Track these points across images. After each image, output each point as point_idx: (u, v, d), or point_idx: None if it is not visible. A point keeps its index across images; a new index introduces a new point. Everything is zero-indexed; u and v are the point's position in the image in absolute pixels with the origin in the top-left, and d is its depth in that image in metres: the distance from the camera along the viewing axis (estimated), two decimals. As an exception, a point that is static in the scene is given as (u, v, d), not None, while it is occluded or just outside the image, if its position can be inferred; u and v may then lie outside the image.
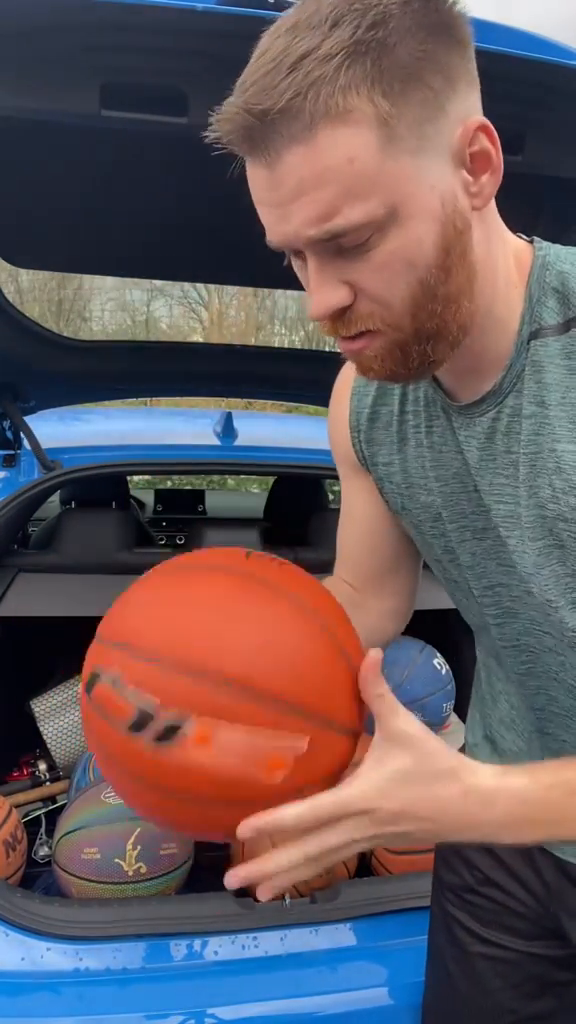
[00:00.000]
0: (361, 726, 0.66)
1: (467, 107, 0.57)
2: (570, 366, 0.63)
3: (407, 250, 0.56)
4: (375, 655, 0.63)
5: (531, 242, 0.68)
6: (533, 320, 0.65)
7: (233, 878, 0.62)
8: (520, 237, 0.68)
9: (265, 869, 0.62)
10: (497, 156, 0.59)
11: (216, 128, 0.56)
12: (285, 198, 0.55)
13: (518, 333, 0.65)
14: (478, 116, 0.58)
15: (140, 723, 0.59)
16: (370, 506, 0.88)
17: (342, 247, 0.57)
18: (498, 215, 0.64)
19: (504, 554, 0.73)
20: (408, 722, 0.62)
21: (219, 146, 0.57)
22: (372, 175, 0.54)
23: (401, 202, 0.55)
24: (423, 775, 0.62)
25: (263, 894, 0.63)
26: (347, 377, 0.86)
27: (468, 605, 0.83)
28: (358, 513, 0.91)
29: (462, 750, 0.74)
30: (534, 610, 0.74)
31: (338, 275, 0.58)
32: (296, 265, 0.63)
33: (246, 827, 0.59)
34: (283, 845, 0.61)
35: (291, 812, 0.59)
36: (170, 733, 0.58)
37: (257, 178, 0.57)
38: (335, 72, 0.51)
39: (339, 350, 0.65)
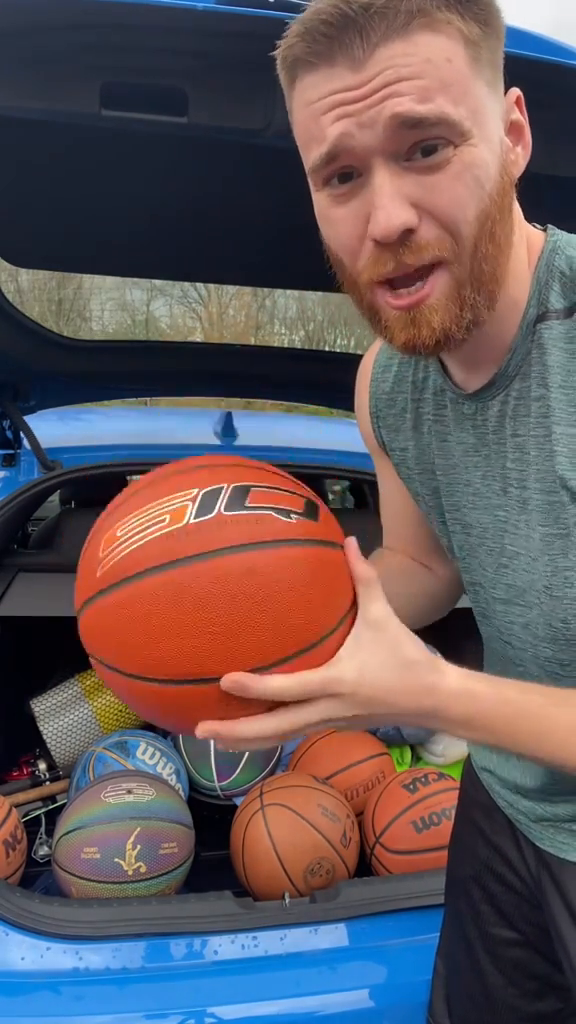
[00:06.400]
0: None
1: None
2: (571, 350, 0.64)
3: (479, 168, 0.57)
4: (353, 541, 0.65)
5: (545, 230, 0.69)
6: (540, 303, 0.66)
7: (201, 728, 0.61)
8: (535, 227, 0.69)
9: (237, 731, 0.61)
10: (527, 133, 0.61)
11: (293, 31, 0.56)
12: (375, 89, 0.54)
13: (524, 315, 0.66)
14: (514, 88, 0.60)
15: None
16: (398, 485, 0.90)
17: (417, 159, 0.56)
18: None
19: (480, 555, 0.76)
20: (383, 610, 0.64)
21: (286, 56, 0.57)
22: (465, 83, 0.55)
23: (481, 122, 0.56)
24: (394, 663, 0.63)
25: (220, 745, 0.64)
26: (368, 364, 0.87)
27: (471, 597, 0.85)
28: (391, 491, 0.94)
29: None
30: (500, 618, 0.77)
31: (407, 194, 0.56)
32: (336, 195, 0.59)
33: (232, 679, 0.58)
34: (257, 716, 0.61)
35: (278, 681, 0.59)
36: None
37: (333, 82, 0.55)
38: None
39: (392, 308, 0.61)
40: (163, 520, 0.60)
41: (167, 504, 0.61)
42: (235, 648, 0.58)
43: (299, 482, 0.67)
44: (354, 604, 0.65)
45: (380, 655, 0.63)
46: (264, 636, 0.59)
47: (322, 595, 0.62)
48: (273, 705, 0.61)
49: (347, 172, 0.58)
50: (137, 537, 0.60)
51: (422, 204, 0.57)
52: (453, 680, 0.64)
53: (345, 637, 0.63)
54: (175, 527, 0.59)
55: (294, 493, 0.65)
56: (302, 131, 0.60)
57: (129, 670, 0.61)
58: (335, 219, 0.60)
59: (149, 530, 0.60)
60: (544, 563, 0.68)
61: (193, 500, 0.60)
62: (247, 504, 0.61)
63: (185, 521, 0.59)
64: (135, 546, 0.59)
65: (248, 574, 0.58)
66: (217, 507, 0.60)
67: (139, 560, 0.59)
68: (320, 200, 0.61)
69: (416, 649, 0.64)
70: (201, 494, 0.60)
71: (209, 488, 0.61)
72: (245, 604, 0.58)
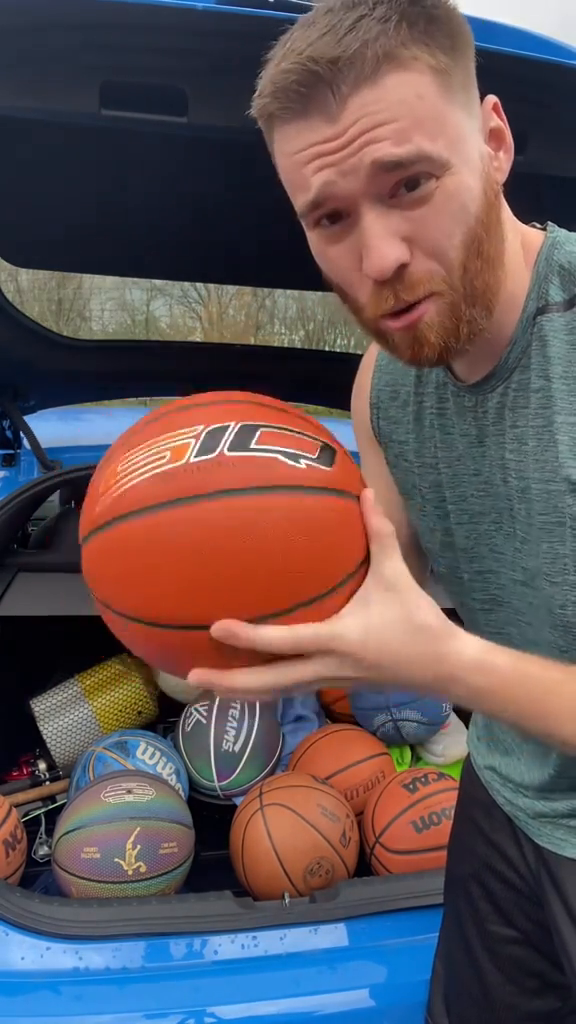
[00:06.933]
0: None
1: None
2: (572, 341, 0.65)
3: (463, 195, 0.58)
4: (369, 493, 0.62)
5: (544, 228, 0.70)
6: (540, 297, 0.67)
7: (194, 675, 0.58)
8: (534, 226, 0.70)
9: (228, 681, 0.58)
10: (508, 136, 0.62)
11: (266, 89, 0.57)
12: (352, 138, 0.55)
13: (523, 310, 0.67)
14: (490, 95, 0.62)
15: None
16: (386, 479, 0.89)
17: (402, 195, 0.57)
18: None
19: (498, 539, 0.75)
20: (398, 569, 0.61)
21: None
22: (439, 116, 0.56)
23: (459, 149, 0.58)
24: (404, 627, 0.60)
25: (217, 693, 0.61)
26: (373, 353, 0.88)
27: (459, 592, 0.84)
28: (374, 484, 0.92)
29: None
30: (519, 599, 0.75)
31: (395, 230, 0.58)
32: (328, 235, 0.61)
33: (221, 627, 0.55)
34: (251, 668, 0.58)
35: (269, 631, 0.56)
36: None
37: (310, 134, 0.57)
38: (394, 29, 0.54)
39: (392, 329, 0.62)
40: (164, 457, 0.57)
41: (171, 440, 0.58)
42: (228, 596, 0.56)
43: (320, 424, 0.64)
44: (366, 561, 0.61)
45: (390, 616, 0.60)
46: (259, 586, 0.56)
47: (327, 548, 0.58)
48: (271, 659, 0.58)
49: (336, 213, 0.59)
50: (136, 473, 0.57)
51: (411, 238, 0.59)
52: (471, 650, 0.62)
53: (352, 594, 0.61)
54: (173, 465, 0.56)
55: (308, 436, 0.61)
56: (286, 178, 0.61)
57: (123, 610, 0.59)
58: (331, 257, 0.62)
59: (148, 466, 0.57)
60: (544, 550, 0.69)
61: (197, 437, 0.57)
62: (253, 445, 0.58)
63: (185, 460, 0.56)
64: (132, 483, 0.57)
65: (244, 520, 0.55)
66: (220, 447, 0.57)
67: (134, 499, 0.57)
68: (314, 239, 0.63)
69: (432, 613, 0.61)
70: (205, 432, 0.58)
71: (215, 426, 0.58)
72: (240, 551, 0.55)
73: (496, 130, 0.63)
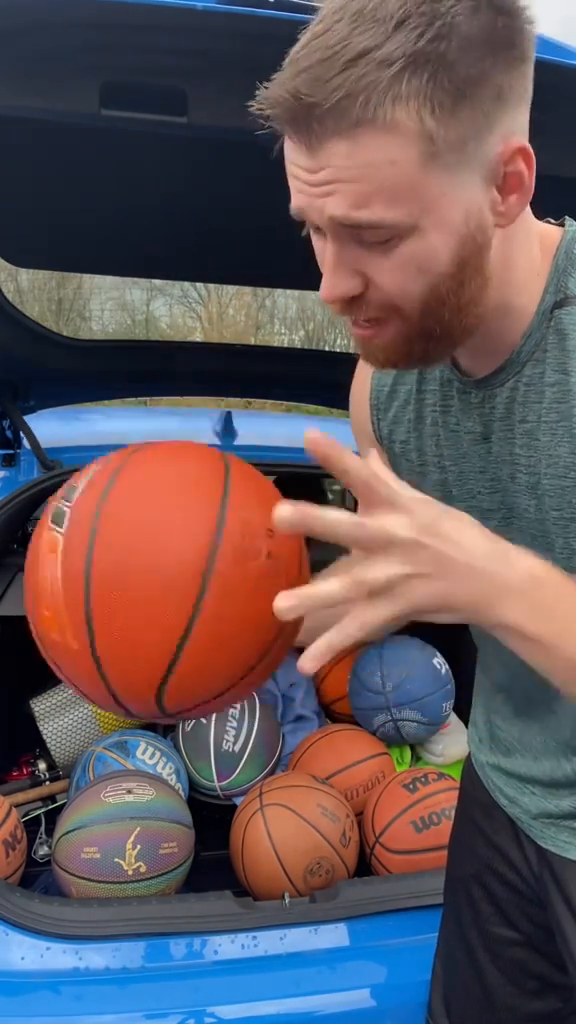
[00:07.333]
0: None
1: (514, 125, 0.57)
2: None
3: (423, 258, 0.57)
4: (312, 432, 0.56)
5: (562, 224, 0.70)
6: (558, 290, 0.66)
7: (283, 599, 0.54)
8: (549, 222, 0.70)
9: (313, 594, 0.55)
10: (530, 180, 0.59)
11: (261, 103, 0.56)
12: (320, 181, 0.56)
13: (540, 302, 0.66)
14: (520, 137, 0.58)
15: None
16: None
17: (363, 238, 0.57)
18: (528, 210, 0.64)
19: (508, 536, 0.74)
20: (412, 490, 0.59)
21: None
22: (409, 184, 0.55)
23: (428, 215, 0.56)
24: (455, 515, 0.58)
25: (306, 661, 0.55)
26: None
27: None
28: None
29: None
30: None
31: (354, 264, 0.59)
32: (314, 237, 0.63)
33: (287, 511, 0.54)
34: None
35: (341, 518, 0.54)
36: None
37: (295, 155, 0.57)
38: (389, 81, 0.51)
39: (352, 332, 0.65)
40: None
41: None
42: None
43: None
44: None
45: (438, 507, 0.57)
46: None
47: None
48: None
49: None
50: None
51: (368, 277, 0.59)
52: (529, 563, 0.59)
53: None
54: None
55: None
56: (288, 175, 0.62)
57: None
58: (318, 250, 0.63)
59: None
60: (559, 545, 0.68)
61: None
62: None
63: None
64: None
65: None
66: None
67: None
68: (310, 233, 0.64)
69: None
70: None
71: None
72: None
73: (514, 175, 0.58)
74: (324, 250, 0.61)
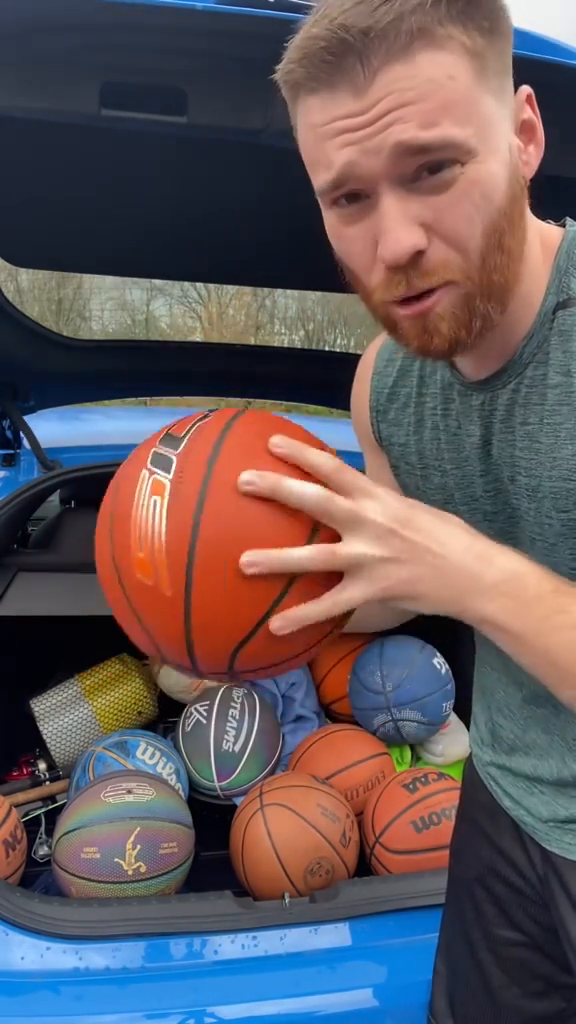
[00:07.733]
0: None
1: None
2: None
3: (487, 184, 0.57)
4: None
5: (562, 224, 0.69)
6: (560, 291, 0.65)
7: (249, 557, 0.58)
8: (549, 222, 0.70)
9: (284, 556, 0.59)
10: (539, 130, 0.60)
11: (293, 55, 0.55)
12: (379, 115, 0.54)
13: (542, 303, 0.66)
14: (524, 86, 0.59)
15: None
16: (390, 482, 0.89)
17: (424, 178, 0.56)
18: (528, 210, 0.64)
19: (512, 536, 0.74)
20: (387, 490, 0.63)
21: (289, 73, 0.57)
22: (470, 100, 0.55)
23: (487, 137, 0.56)
24: (433, 511, 0.63)
25: (276, 619, 0.60)
26: (371, 356, 0.87)
27: None
28: None
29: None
30: None
31: (414, 216, 0.57)
32: (346, 214, 0.60)
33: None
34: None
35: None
36: None
37: (336, 108, 0.55)
38: (432, 5, 0.52)
39: (401, 317, 0.62)
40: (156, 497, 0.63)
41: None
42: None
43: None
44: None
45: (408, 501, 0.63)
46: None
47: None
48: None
49: (355, 193, 0.58)
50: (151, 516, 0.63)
51: (430, 224, 0.57)
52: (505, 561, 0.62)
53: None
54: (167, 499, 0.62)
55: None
56: (307, 152, 0.60)
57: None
58: (347, 237, 0.61)
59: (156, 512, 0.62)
60: (567, 548, 0.68)
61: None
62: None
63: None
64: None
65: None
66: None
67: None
68: (330, 218, 0.62)
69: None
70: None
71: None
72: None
73: (528, 122, 0.60)
74: (357, 225, 0.59)
